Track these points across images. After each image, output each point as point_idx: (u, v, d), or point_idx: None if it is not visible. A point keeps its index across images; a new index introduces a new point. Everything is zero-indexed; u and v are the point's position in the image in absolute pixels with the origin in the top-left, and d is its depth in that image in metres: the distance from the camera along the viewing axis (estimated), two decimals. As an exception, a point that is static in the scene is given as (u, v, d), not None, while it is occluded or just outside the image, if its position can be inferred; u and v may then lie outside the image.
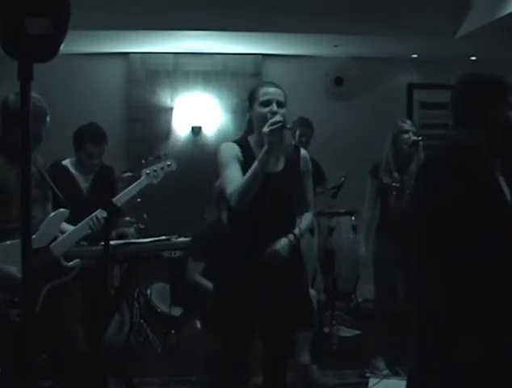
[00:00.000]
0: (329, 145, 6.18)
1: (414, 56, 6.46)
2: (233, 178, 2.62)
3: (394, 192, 3.96)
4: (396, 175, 3.97)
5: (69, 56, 5.62)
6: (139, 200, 4.75)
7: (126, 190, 3.15)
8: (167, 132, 6.32)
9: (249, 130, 2.80)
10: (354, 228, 4.85)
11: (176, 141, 6.32)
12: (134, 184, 3.18)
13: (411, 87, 6.73)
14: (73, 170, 3.86)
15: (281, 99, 2.69)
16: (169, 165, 3.24)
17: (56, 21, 1.42)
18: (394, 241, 3.93)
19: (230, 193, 2.60)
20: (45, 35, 1.41)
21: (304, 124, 5.13)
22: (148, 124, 6.28)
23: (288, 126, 2.62)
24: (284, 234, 2.67)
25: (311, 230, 4.71)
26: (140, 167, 3.32)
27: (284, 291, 2.65)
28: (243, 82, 6.31)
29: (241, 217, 2.68)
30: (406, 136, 3.94)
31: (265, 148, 2.55)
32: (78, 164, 3.85)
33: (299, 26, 5.34)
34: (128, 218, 4.59)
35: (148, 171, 3.19)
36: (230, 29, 5.38)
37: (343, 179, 4.83)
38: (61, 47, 1.44)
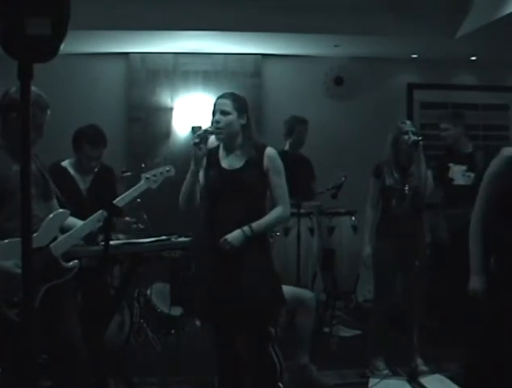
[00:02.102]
0: (329, 145, 6.18)
1: (414, 56, 6.46)
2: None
3: (396, 193, 3.96)
4: (397, 176, 3.97)
5: (69, 56, 5.62)
6: (139, 200, 4.74)
7: (125, 194, 3.17)
8: (167, 132, 6.32)
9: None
10: (355, 228, 4.85)
11: (176, 141, 6.32)
12: (133, 188, 3.21)
13: (411, 87, 6.73)
14: (72, 171, 3.85)
15: (225, 108, 2.98)
16: (168, 170, 3.33)
17: (56, 21, 1.41)
18: (394, 241, 3.94)
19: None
20: (45, 35, 1.41)
21: (301, 122, 5.14)
22: (148, 124, 6.28)
23: (209, 131, 2.95)
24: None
25: (311, 230, 4.72)
26: (140, 168, 3.36)
27: (241, 279, 2.87)
28: (243, 82, 6.31)
29: (207, 212, 3.00)
30: (406, 137, 3.93)
31: (192, 160, 2.93)
32: (77, 165, 3.85)
33: (299, 26, 5.34)
34: (128, 218, 4.59)
35: (147, 176, 3.25)
36: (230, 29, 5.38)
37: (343, 178, 4.83)
38: (61, 47, 1.44)
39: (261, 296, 2.88)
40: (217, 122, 2.97)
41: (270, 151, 3.02)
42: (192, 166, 2.95)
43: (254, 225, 2.91)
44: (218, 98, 3.06)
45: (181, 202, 3.01)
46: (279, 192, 3.01)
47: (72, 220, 2.94)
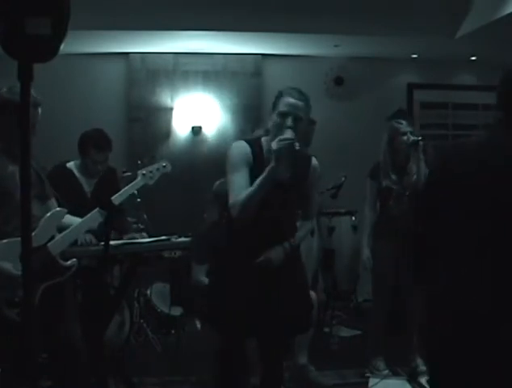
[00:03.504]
0: (329, 145, 6.17)
1: (414, 56, 6.46)
2: (238, 186, 2.61)
3: (393, 194, 3.95)
4: (394, 177, 3.95)
5: (69, 56, 5.62)
6: (139, 200, 4.75)
7: (122, 190, 3.17)
8: (167, 132, 6.32)
9: (267, 131, 2.76)
10: (355, 228, 4.85)
11: (176, 141, 6.32)
12: (130, 185, 3.20)
13: (411, 87, 6.73)
14: (77, 174, 3.86)
15: (300, 113, 2.63)
16: (164, 166, 3.29)
17: (56, 21, 1.41)
18: (392, 241, 3.93)
19: (232, 203, 2.60)
20: (45, 35, 1.41)
21: (309, 123, 5.12)
22: (148, 124, 6.28)
23: (297, 147, 2.53)
24: (281, 241, 2.69)
25: (311, 231, 4.72)
26: (137, 168, 3.35)
27: (280, 296, 2.66)
28: (243, 82, 6.31)
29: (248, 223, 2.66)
30: (404, 137, 3.92)
31: (272, 164, 2.52)
32: (83, 168, 3.85)
33: (299, 26, 5.34)
34: (128, 218, 4.59)
35: (144, 172, 3.23)
36: (230, 29, 5.38)
37: (343, 179, 4.84)
38: (61, 47, 1.44)
39: (300, 307, 2.78)
40: (288, 128, 2.57)
41: (315, 163, 2.82)
42: (273, 174, 2.53)
43: (293, 240, 2.73)
44: (289, 95, 2.65)
45: (242, 211, 2.58)
46: (314, 208, 2.88)
47: (69, 218, 2.94)
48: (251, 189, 2.56)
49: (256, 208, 2.55)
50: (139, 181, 3.22)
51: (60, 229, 2.90)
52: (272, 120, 2.66)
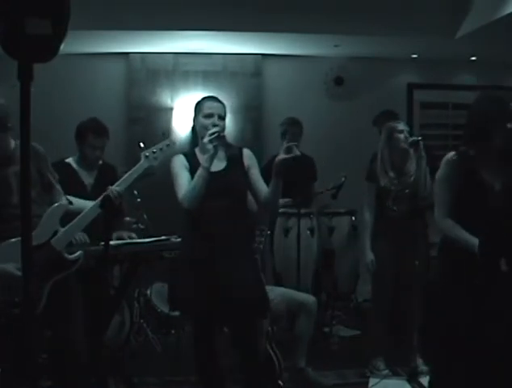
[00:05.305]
0: (328, 145, 6.18)
1: (414, 56, 6.46)
2: (182, 184, 2.95)
3: (392, 194, 3.94)
4: (392, 176, 3.95)
5: (69, 56, 5.62)
6: (139, 200, 4.75)
7: (125, 176, 3.08)
8: (167, 133, 6.31)
9: (194, 140, 3.10)
10: (355, 228, 4.85)
11: (176, 141, 6.31)
12: (133, 169, 3.09)
13: (411, 87, 6.73)
14: (76, 167, 3.87)
15: (222, 113, 3.03)
16: (168, 145, 3.16)
17: (56, 21, 1.42)
18: (392, 242, 3.93)
19: (181, 197, 2.92)
20: (45, 35, 1.41)
21: (294, 124, 5.15)
22: (148, 124, 6.27)
23: (222, 134, 2.92)
24: (234, 226, 2.93)
25: (311, 230, 4.73)
26: (140, 152, 3.18)
27: (233, 282, 2.90)
28: (243, 82, 6.31)
29: (192, 214, 2.94)
30: (401, 135, 3.93)
31: (206, 156, 2.88)
32: (81, 160, 3.87)
33: (299, 26, 5.34)
34: (128, 218, 4.58)
35: (147, 154, 3.11)
36: (230, 29, 5.38)
37: (343, 179, 4.84)
38: (61, 47, 1.44)
39: (247, 290, 2.93)
40: (216, 125, 2.95)
41: (247, 150, 3.12)
42: (207, 164, 2.87)
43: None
44: (210, 100, 3.08)
45: (190, 200, 2.88)
46: (262, 184, 3.02)
47: (79, 202, 2.96)
48: (194, 180, 2.89)
49: (201, 196, 2.85)
50: (142, 163, 3.10)
51: (72, 214, 2.91)
52: (198, 125, 3.03)
